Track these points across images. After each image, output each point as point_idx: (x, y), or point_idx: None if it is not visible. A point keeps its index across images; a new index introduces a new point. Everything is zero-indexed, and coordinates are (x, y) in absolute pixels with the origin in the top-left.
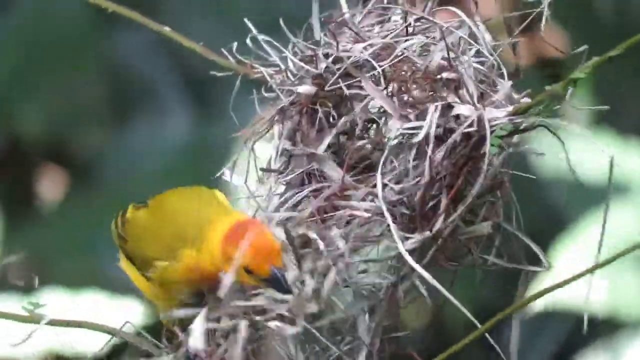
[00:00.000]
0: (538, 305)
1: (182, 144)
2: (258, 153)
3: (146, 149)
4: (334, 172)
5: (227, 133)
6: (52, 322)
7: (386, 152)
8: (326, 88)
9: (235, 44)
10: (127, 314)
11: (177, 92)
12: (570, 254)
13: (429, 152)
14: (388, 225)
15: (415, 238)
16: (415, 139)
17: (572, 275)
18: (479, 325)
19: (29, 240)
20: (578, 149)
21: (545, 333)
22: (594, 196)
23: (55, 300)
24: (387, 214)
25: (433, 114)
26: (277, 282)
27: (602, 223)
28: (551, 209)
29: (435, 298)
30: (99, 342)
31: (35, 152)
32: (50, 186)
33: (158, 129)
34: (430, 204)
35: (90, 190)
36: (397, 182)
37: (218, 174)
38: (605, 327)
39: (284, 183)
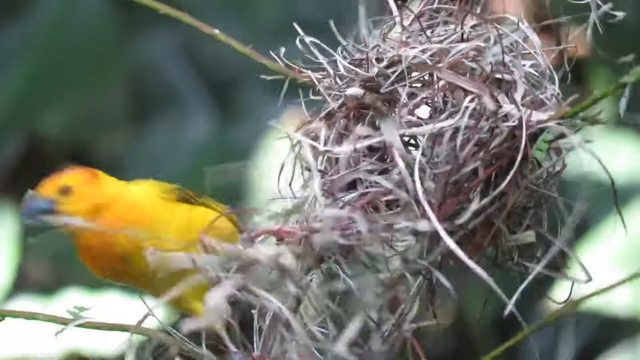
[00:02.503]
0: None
1: (203, 147)
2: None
3: (168, 152)
4: (395, 139)
5: (248, 135)
6: (86, 325)
7: (424, 140)
8: (382, 90)
9: (283, 49)
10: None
11: (199, 96)
12: (594, 256)
13: (458, 144)
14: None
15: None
16: (448, 129)
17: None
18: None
19: (49, 242)
20: (598, 148)
21: (568, 334)
22: (618, 198)
23: (74, 301)
24: (422, 198)
25: (467, 106)
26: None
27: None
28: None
29: (458, 296)
30: (118, 341)
31: (57, 155)
32: None
33: (179, 132)
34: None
35: None
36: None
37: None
38: (628, 328)
39: (328, 187)
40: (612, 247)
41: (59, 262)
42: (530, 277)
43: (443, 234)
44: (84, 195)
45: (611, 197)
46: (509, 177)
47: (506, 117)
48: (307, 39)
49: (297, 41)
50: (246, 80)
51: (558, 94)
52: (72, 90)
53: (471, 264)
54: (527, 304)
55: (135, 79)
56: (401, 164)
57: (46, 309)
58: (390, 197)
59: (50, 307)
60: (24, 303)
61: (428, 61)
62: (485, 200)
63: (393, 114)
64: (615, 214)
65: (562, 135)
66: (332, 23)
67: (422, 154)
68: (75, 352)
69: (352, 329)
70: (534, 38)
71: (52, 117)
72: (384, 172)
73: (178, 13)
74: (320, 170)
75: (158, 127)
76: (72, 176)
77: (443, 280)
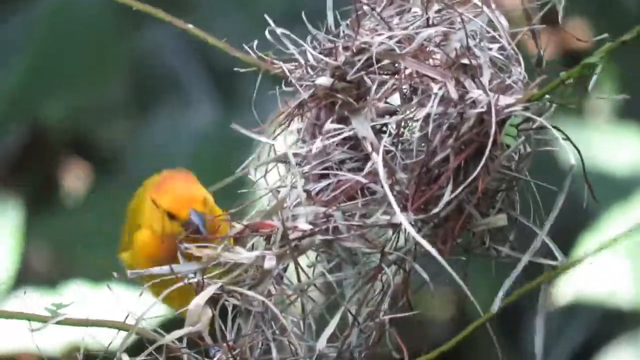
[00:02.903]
0: (564, 298)
1: (205, 136)
2: (280, 147)
3: (170, 141)
4: (368, 133)
5: (250, 125)
6: (71, 322)
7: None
8: (348, 77)
9: (256, 41)
10: (149, 305)
11: (201, 85)
12: (594, 247)
13: (429, 131)
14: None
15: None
16: (418, 117)
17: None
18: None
19: (52, 232)
20: (602, 141)
21: (571, 326)
22: (618, 188)
23: (78, 292)
24: (386, 188)
25: (436, 93)
26: (194, 224)
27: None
28: (575, 202)
29: (456, 289)
30: (122, 334)
31: (59, 145)
32: (74, 178)
33: (182, 121)
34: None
35: (113, 182)
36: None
37: (239, 170)
38: (630, 320)
39: (304, 177)
40: (615, 239)
41: (62, 253)
42: (519, 268)
43: (407, 225)
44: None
45: (614, 189)
46: (481, 163)
47: (474, 102)
48: (278, 31)
49: (267, 32)
50: (240, 64)
51: (524, 77)
52: (74, 79)
53: (436, 254)
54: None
55: (137, 68)
56: (374, 157)
57: (50, 300)
58: (364, 186)
59: (55, 297)
60: (28, 293)
61: (395, 48)
62: (459, 189)
63: (363, 103)
64: (619, 205)
65: (529, 118)
66: (303, 14)
67: (393, 144)
68: (76, 345)
69: (332, 324)
70: (501, 21)
71: (54, 107)
72: (357, 160)
73: (154, 10)
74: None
75: (160, 116)
76: (200, 188)
77: (419, 269)
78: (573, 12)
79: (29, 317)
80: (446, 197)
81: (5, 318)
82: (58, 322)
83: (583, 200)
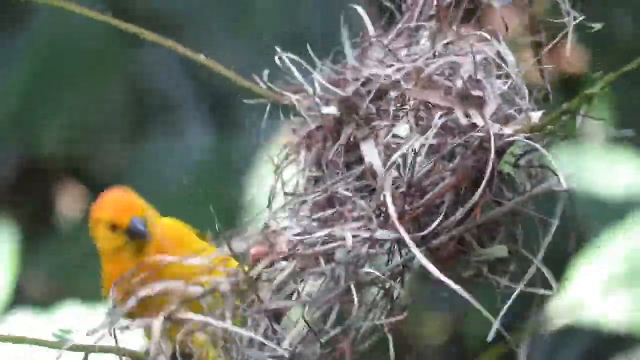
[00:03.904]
0: (559, 321)
1: (201, 161)
2: (285, 176)
3: (166, 166)
4: (374, 159)
5: (246, 150)
6: (76, 348)
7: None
8: (360, 112)
9: (266, 71)
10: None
11: (198, 109)
12: (589, 271)
13: (430, 160)
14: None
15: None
16: (420, 146)
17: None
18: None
19: (47, 256)
20: (597, 166)
21: (566, 348)
22: (612, 212)
23: (73, 316)
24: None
25: (436, 123)
26: (135, 229)
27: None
28: (569, 225)
29: (453, 312)
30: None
31: (54, 169)
32: (70, 202)
33: (178, 146)
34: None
35: None
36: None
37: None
38: (625, 343)
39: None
40: (610, 263)
41: (57, 277)
42: (513, 296)
43: (415, 250)
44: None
45: (607, 213)
46: (479, 192)
47: (477, 132)
48: (285, 57)
49: (277, 59)
50: (245, 93)
51: (529, 109)
52: (68, 104)
53: (441, 276)
54: (526, 317)
55: (132, 91)
56: (381, 185)
57: (45, 324)
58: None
59: (49, 321)
60: (23, 318)
61: (401, 80)
62: (455, 216)
63: (371, 134)
64: (612, 229)
65: (531, 150)
66: (308, 45)
67: (399, 174)
68: None
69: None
70: (507, 54)
71: (50, 130)
72: (360, 189)
73: (161, 39)
74: (295, 193)
75: (156, 139)
76: (139, 199)
77: (400, 292)
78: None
79: (42, 343)
80: (440, 221)
81: (10, 342)
82: (67, 349)
83: (578, 224)
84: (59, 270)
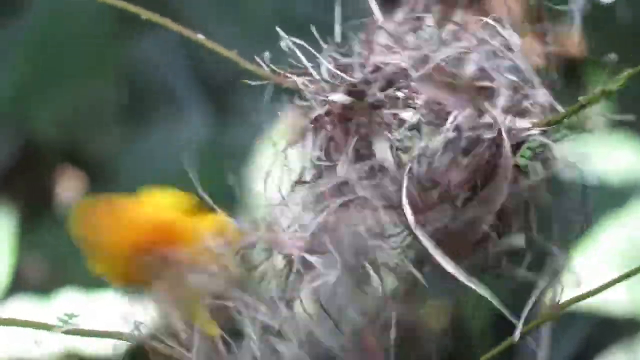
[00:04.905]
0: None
1: (199, 147)
2: (290, 163)
3: (163, 152)
4: (383, 153)
5: (245, 136)
6: (68, 332)
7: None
8: (368, 99)
9: (267, 53)
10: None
11: (196, 95)
12: (591, 257)
13: (444, 153)
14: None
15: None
16: (433, 139)
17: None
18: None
19: (45, 242)
20: (599, 151)
21: (565, 334)
22: (614, 199)
23: (71, 302)
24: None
25: (455, 118)
26: None
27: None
28: (571, 212)
29: (453, 297)
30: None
31: (51, 155)
32: (67, 188)
33: (176, 132)
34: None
35: (107, 192)
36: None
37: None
38: (626, 329)
39: (316, 194)
40: (611, 248)
41: (55, 263)
42: (536, 292)
43: (427, 243)
44: None
45: (610, 199)
46: (493, 186)
47: (489, 125)
48: (290, 42)
49: (281, 44)
50: (244, 77)
51: (543, 101)
52: (66, 89)
53: (449, 266)
54: (524, 305)
55: (131, 77)
56: (393, 179)
57: (44, 310)
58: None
59: (48, 307)
60: (21, 304)
61: (410, 69)
62: (471, 209)
63: (382, 127)
64: (614, 215)
65: (546, 143)
66: (313, 29)
67: (410, 170)
68: (73, 353)
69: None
70: (516, 43)
71: (46, 117)
72: (371, 176)
73: (161, 19)
74: (304, 181)
75: (154, 126)
76: None
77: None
78: (568, 21)
79: (44, 327)
80: (448, 216)
81: (9, 325)
82: (69, 332)
83: (579, 210)
84: (58, 255)
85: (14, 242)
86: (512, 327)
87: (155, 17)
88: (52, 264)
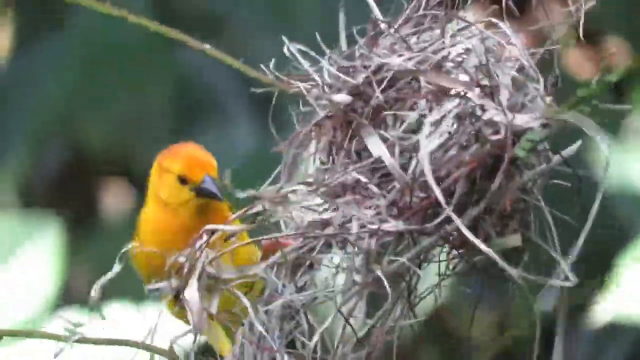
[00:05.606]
0: (603, 318)
1: (247, 156)
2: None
3: None
4: (377, 148)
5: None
6: (82, 340)
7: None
8: (372, 102)
9: (273, 60)
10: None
11: (243, 104)
12: (635, 269)
13: (443, 150)
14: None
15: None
16: (433, 134)
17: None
18: None
19: (94, 252)
20: (633, 159)
21: (610, 346)
22: None
23: (120, 313)
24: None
25: (450, 110)
26: (209, 188)
27: None
28: (616, 222)
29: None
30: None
31: (100, 165)
32: (115, 199)
33: (223, 141)
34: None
35: None
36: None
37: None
38: None
39: (321, 196)
40: None
41: (103, 273)
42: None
43: (459, 223)
44: None
45: None
46: (495, 182)
47: (490, 120)
48: (293, 47)
49: (285, 50)
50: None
51: (544, 95)
52: (115, 99)
53: (485, 247)
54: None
55: (179, 87)
56: (395, 175)
57: (91, 321)
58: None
59: (94, 321)
60: (69, 316)
61: (412, 68)
62: (475, 209)
63: (378, 121)
64: None
65: (546, 138)
66: (317, 35)
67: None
68: None
69: (320, 331)
70: (517, 40)
71: (95, 126)
72: (372, 178)
73: (184, 37)
74: (306, 182)
75: (200, 135)
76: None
77: (419, 272)
78: (611, 30)
79: (52, 337)
80: (448, 210)
81: (25, 337)
82: (76, 341)
83: (617, 220)
84: (105, 265)
85: (62, 252)
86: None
87: (183, 37)
88: (100, 274)
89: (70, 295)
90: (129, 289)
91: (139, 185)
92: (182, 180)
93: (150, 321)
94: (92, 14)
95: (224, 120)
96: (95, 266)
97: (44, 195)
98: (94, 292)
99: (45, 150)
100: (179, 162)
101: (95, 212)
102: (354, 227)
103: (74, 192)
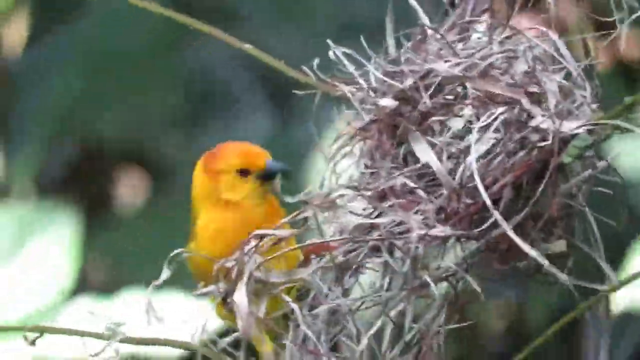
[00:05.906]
0: (617, 308)
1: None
2: (339, 168)
3: None
4: (426, 154)
5: (305, 140)
6: (126, 340)
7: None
8: (420, 107)
9: (316, 60)
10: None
11: (256, 97)
12: None
13: (491, 156)
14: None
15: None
16: (482, 140)
17: None
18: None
19: (108, 243)
20: None
21: (624, 336)
22: None
23: (135, 303)
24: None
25: (498, 117)
26: (275, 167)
27: None
28: (636, 215)
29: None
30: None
31: (114, 157)
32: (130, 190)
33: (236, 134)
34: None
35: (169, 194)
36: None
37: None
38: None
39: (368, 200)
40: None
41: (119, 263)
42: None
43: (504, 224)
44: None
45: None
46: (541, 188)
47: (537, 127)
48: (338, 51)
49: (330, 53)
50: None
51: (590, 102)
52: (128, 92)
53: (532, 251)
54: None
55: (191, 81)
56: (443, 180)
57: (107, 311)
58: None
59: (111, 308)
60: (85, 304)
61: (460, 74)
62: (521, 214)
63: (426, 129)
64: None
65: (592, 145)
66: (362, 37)
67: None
68: (137, 357)
69: (370, 333)
70: (564, 48)
71: (109, 119)
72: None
73: (209, 28)
74: (353, 187)
75: (214, 128)
76: None
77: (470, 280)
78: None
79: (95, 336)
80: (495, 216)
81: (65, 334)
82: (119, 341)
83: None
84: (121, 256)
85: (78, 242)
86: (571, 327)
87: (204, 27)
88: (116, 264)
89: (85, 284)
90: (145, 277)
91: (153, 175)
92: (243, 173)
93: (194, 320)
94: (107, 5)
95: (236, 112)
96: (111, 255)
97: (60, 185)
98: (148, 293)
99: (60, 140)
100: (236, 158)
101: (111, 202)
102: (402, 232)
103: (90, 182)
